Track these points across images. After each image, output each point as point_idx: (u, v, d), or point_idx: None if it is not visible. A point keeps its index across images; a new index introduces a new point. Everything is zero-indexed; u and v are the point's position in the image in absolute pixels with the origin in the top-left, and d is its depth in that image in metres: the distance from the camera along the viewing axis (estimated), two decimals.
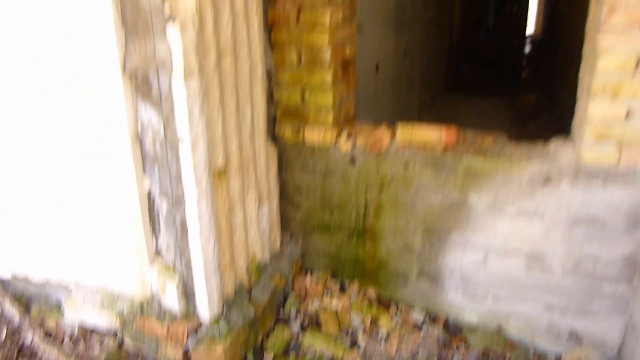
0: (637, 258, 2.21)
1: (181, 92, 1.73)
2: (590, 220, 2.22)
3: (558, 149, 2.28)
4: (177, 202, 1.93)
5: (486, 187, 2.32)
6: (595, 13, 2.06)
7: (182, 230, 1.96)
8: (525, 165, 2.24)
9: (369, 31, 3.77)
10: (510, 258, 2.39)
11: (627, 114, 2.04)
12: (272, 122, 2.55)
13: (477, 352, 2.41)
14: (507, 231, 2.35)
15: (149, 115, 1.81)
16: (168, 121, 1.80)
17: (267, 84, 2.39)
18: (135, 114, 1.82)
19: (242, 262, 2.28)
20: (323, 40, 2.33)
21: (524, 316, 2.47)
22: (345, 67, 2.57)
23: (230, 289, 2.20)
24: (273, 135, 2.57)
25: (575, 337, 2.43)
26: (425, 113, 6.36)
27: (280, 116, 2.55)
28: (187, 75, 1.72)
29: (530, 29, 12.97)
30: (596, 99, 2.05)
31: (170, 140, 1.83)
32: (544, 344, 2.48)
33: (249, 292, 2.32)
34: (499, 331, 2.52)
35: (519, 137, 5.68)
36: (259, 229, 2.38)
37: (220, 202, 2.05)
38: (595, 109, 2.07)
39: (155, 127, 1.82)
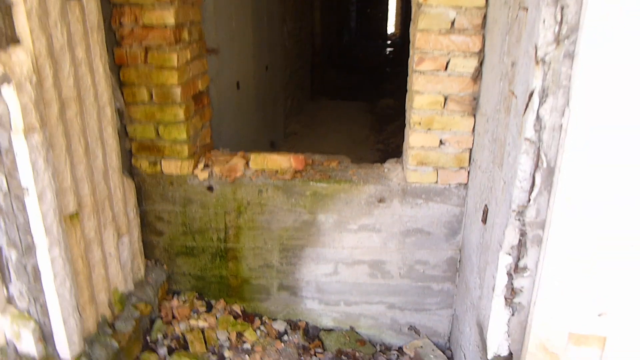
0: (456, 261, 2.64)
1: (22, 147, 1.76)
2: (418, 231, 2.60)
3: (390, 171, 2.63)
4: (27, 250, 1.94)
5: (331, 207, 2.60)
6: (411, 59, 2.42)
7: (35, 276, 1.98)
8: (362, 187, 2.56)
9: (228, 52, 3.91)
10: (356, 267, 2.71)
11: (440, 143, 2.42)
12: (128, 156, 2.61)
13: (331, 354, 2.70)
14: (352, 244, 2.67)
15: None
16: (11, 175, 1.81)
17: (119, 121, 2.44)
18: None
19: (103, 297, 2.33)
20: (172, 80, 2.44)
21: (371, 316, 2.82)
22: (198, 100, 2.70)
23: (91, 325, 2.25)
24: (130, 168, 2.62)
25: (414, 330, 2.83)
26: (293, 120, 6.66)
27: (136, 150, 2.61)
28: (27, 131, 1.75)
29: (391, 29, 13.67)
30: (414, 131, 2.42)
31: (14, 194, 1.84)
32: (389, 338, 2.85)
33: (112, 325, 2.38)
34: (351, 332, 2.85)
35: (377, 140, 6.24)
36: (119, 262, 2.44)
37: (75, 244, 2.09)
38: (414, 139, 2.43)
39: None
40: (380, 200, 2.56)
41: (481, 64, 2.26)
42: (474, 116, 2.35)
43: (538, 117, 1.55)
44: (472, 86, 2.30)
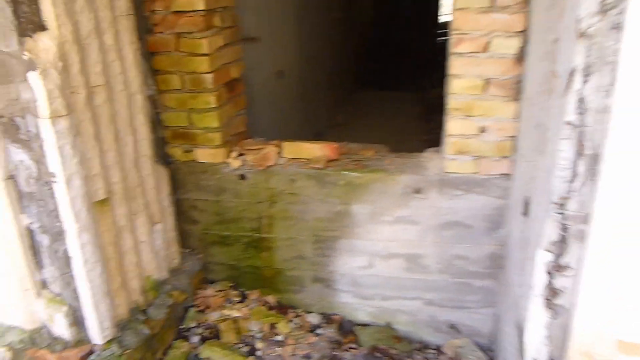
0: (499, 257, 2.47)
1: (49, 133, 1.78)
2: (457, 224, 2.46)
3: (428, 161, 2.50)
4: (58, 235, 1.97)
5: (365, 198, 2.50)
6: (450, 41, 2.27)
7: (66, 262, 2.01)
8: (398, 177, 2.44)
9: (270, 41, 3.87)
10: (392, 261, 2.60)
11: (481, 131, 2.27)
12: (162, 144, 2.61)
13: (366, 349, 2.61)
14: (388, 237, 2.56)
15: (20, 156, 1.84)
16: (39, 161, 1.84)
17: (152, 110, 2.45)
18: (5, 156, 1.84)
19: (135, 284, 2.35)
20: (204, 67, 2.41)
21: (408, 312, 2.71)
22: (232, 87, 2.67)
23: (123, 310, 2.27)
24: (165, 156, 2.63)
25: (453, 329, 2.69)
26: (339, 111, 6.56)
27: (170, 138, 2.61)
28: (53, 117, 1.76)
29: (445, 17, 13.14)
30: (453, 117, 2.27)
31: (44, 179, 1.87)
32: (427, 336, 2.73)
33: (145, 311, 2.39)
34: (388, 327, 2.75)
35: (425, 131, 6.03)
36: (152, 249, 2.45)
37: (105, 230, 2.11)
38: (453, 126, 2.29)
39: (28, 167, 1.86)
40: (417, 191, 2.43)
41: (525, 44, 2.08)
42: (518, 101, 2.18)
43: (581, 98, 1.39)
44: (515, 69, 2.13)
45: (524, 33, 2.07)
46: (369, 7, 8.25)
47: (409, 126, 6.23)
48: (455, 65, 2.19)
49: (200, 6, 2.33)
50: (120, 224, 2.21)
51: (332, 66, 6.10)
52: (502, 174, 2.33)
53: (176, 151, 2.63)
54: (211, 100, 2.48)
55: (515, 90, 2.16)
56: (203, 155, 2.61)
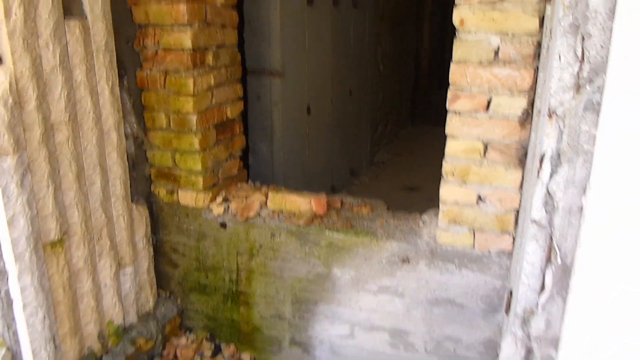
0: (497, 344, 2.12)
1: None
2: (448, 302, 2.14)
3: (425, 226, 2.22)
4: (2, 275, 1.88)
5: (348, 262, 2.25)
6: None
7: (7, 302, 1.91)
8: (384, 243, 2.17)
9: (296, 74, 3.73)
10: (375, 333, 2.31)
11: (478, 199, 1.97)
12: (147, 183, 2.51)
13: None
14: (371, 307, 2.28)
15: None
16: None
17: (136, 147, 2.35)
18: None
19: (92, 329, 2.22)
20: (188, 107, 2.29)
21: None
22: (225, 128, 2.53)
23: (73, 357, 2.14)
24: (149, 195, 2.52)
25: None
26: (383, 148, 6.29)
27: (155, 177, 2.50)
28: None
29: None
30: (447, 182, 1.99)
31: None
32: None
33: (100, 358, 2.25)
34: None
35: None
36: (117, 293, 2.32)
37: (56, 273, 2.00)
38: (447, 192, 2.00)
39: None
40: (404, 260, 2.15)
41: (532, 104, 1.78)
42: (522, 169, 1.86)
43: (549, 193, 1.09)
44: (519, 132, 1.83)
45: (530, 92, 1.77)
46: (426, 37, 7.94)
47: None
48: (451, 125, 1.92)
49: (188, 45, 2.21)
50: (77, 267, 2.10)
51: (375, 100, 5.86)
52: (502, 251, 2.00)
53: (160, 191, 2.51)
54: (195, 142, 2.35)
55: (519, 157, 1.85)
56: (185, 197, 2.47)
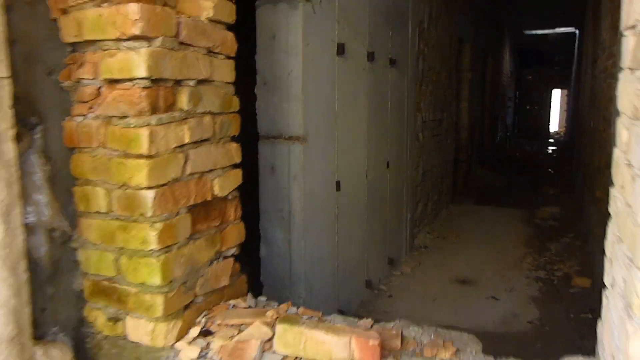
0: None
1: None
2: None
3: None
4: None
5: None
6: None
7: None
8: None
9: (323, 142, 2.84)
10: None
11: None
12: (78, 302, 1.51)
13: None
14: None
15: None
16: None
17: (44, 246, 1.38)
18: None
19: None
20: (140, 177, 1.33)
21: None
22: (210, 212, 1.55)
23: None
24: (79, 323, 1.51)
25: None
26: (424, 230, 5.25)
27: (89, 294, 1.50)
28: None
29: (554, 126, 12.04)
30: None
31: None
32: None
33: None
34: None
35: (536, 264, 4.51)
36: None
37: None
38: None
39: None
40: None
41: None
42: None
43: None
44: None
45: None
46: (465, 110, 7.13)
47: (515, 254, 4.76)
48: None
49: (141, 72, 1.29)
50: None
51: (417, 175, 4.91)
52: None
53: (98, 317, 1.50)
54: (150, 236, 1.36)
55: None
56: (136, 330, 1.45)
